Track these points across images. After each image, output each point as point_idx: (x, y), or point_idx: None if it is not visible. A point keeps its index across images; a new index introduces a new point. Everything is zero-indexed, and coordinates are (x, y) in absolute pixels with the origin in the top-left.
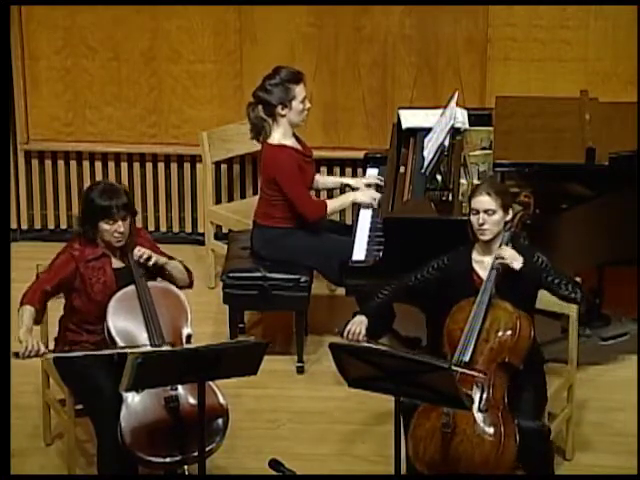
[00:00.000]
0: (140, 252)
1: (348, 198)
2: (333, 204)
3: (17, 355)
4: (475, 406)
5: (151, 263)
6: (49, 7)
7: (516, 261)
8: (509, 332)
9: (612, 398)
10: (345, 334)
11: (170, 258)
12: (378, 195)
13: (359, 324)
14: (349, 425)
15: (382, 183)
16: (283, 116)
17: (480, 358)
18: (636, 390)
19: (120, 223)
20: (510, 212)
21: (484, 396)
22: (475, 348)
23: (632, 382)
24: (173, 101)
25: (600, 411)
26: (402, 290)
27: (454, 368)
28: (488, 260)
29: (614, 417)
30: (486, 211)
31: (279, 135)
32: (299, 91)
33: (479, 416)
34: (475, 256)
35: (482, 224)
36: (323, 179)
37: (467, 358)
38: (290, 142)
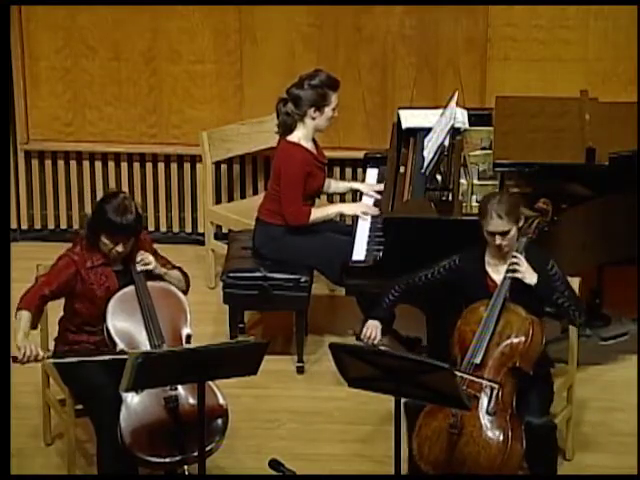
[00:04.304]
0: (142, 258)
1: (334, 209)
2: (317, 214)
3: (15, 359)
4: (483, 408)
5: (149, 268)
6: (49, 7)
7: (530, 276)
8: (521, 337)
9: (612, 398)
10: (363, 337)
11: (168, 262)
12: (368, 209)
13: (375, 328)
14: (349, 425)
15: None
16: (313, 119)
17: (491, 361)
18: (636, 390)
19: (121, 244)
20: (522, 219)
21: (493, 399)
22: (486, 351)
23: (632, 382)
24: (173, 101)
25: (600, 411)
26: (410, 290)
27: (463, 375)
28: (502, 264)
29: (614, 417)
30: (502, 233)
31: (300, 135)
32: (334, 98)
33: (487, 419)
34: (488, 259)
35: (500, 245)
36: (334, 184)
37: (478, 360)
38: (309, 145)
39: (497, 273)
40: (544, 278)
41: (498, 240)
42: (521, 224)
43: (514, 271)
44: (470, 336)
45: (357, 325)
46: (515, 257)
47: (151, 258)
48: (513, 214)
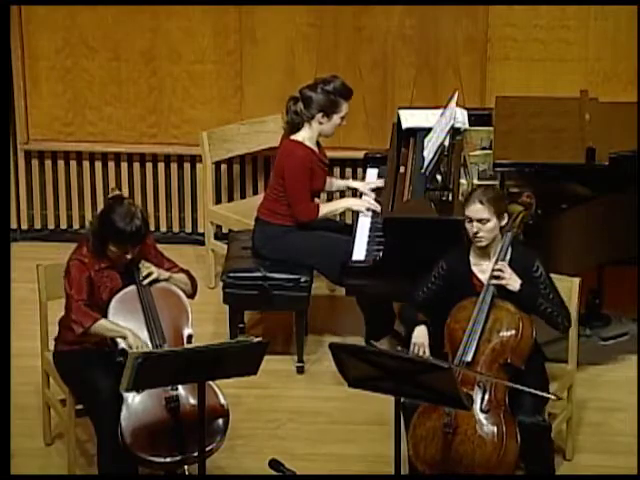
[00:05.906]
0: (145, 271)
1: (342, 204)
2: (325, 209)
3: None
4: (477, 406)
5: (153, 278)
6: (49, 7)
7: (514, 283)
8: (511, 333)
9: (612, 398)
10: (413, 351)
11: (175, 266)
12: (373, 204)
13: (423, 337)
14: (349, 425)
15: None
16: (320, 124)
17: (482, 358)
18: (636, 390)
19: (130, 252)
20: (505, 217)
21: (486, 397)
22: (477, 348)
23: (632, 382)
24: (173, 101)
25: (600, 411)
26: (418, 307)
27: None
28: (487, 263)
29: (614, 417)
30: (479, 220)
31: (305, 135)
32: (345, 107)
33: (480, 417)
34: (473, 259)
35: (476, 233)
36: (333, 181)
37: (469, 358)
38: (312, 146)
39: (482, 272)
40: (528, 282)
41: (475, 227)
42: (504, 222)
43: (498, 277)
44: (460, 334)
45: (362, 330)
46: (498, 264)
47: (153, 268)
48: (495, 204)
